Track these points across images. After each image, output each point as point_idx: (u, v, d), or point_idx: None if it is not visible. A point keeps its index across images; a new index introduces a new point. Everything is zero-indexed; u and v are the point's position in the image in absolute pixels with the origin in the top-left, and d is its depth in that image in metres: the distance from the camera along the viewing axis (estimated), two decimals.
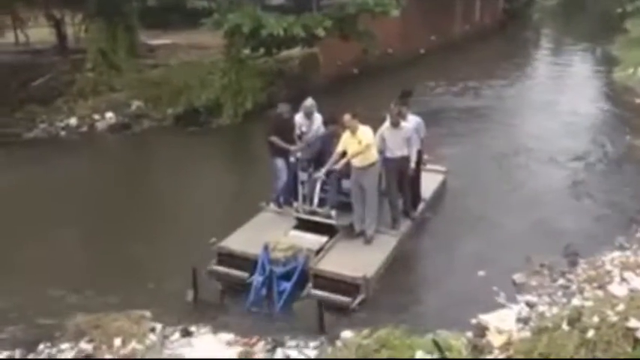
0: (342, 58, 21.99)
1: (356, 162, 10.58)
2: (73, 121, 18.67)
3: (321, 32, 18.35)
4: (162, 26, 25.40)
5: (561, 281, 10.24)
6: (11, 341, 9.44)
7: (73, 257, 11.67)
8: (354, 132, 10.45)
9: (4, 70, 20.56)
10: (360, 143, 10.40)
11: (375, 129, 10.86)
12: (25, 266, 11.22)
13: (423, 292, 10.47)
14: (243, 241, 10.67)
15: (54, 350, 9.12)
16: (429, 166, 12.94)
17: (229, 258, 10.42)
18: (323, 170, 10.81)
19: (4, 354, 9.08)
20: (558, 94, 21.12)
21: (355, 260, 10.12)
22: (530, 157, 15.34)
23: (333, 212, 10.93)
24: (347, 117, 10.49)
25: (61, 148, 17.31)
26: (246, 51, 19.11)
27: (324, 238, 10.72)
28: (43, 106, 18.98)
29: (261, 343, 8.85)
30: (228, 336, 9.03)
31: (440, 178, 13.34)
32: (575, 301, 9.24)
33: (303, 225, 11.06)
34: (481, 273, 10.45)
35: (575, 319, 7.95)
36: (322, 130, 11.59)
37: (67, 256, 11.66)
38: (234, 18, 17.80)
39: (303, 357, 8.43)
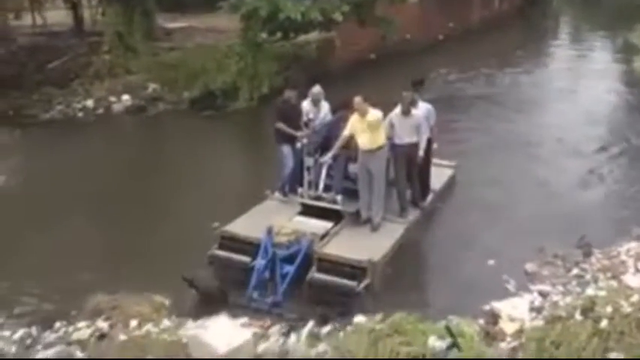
0: (360, 43, 21.89)
1: (364, 145, 10.43)
2: (89, 103, 18.75)
3: (338, 17, 18.23)
4: (179, 9, 25.30)
5: (575, 271, 10.18)
6: (28, 318, 9.54)
7: (87, 239, 11.73)
8: (363, 115, 10.28)
9: (21, 52, 20.63)
10: (373, 127, 10.27)
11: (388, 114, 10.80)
12: (42, 247, 11.30)
13: (433, 280, 10.46)
14: (246, 225, 10.55)
15: (70, 328, 9.20)
16: (438, 161, 12.60)
17: (231, 242, 10.28)
18: (329, 154, 10.71)
19: (21, 331, 9.17)
20: (577, 83, 20.94)
21: (361, 245, 9.97)
22: (546, 146, 15.22)
23: (339, 197, 10.76)
24: (358, 99, 10.31)
25: (78, 130, 17.39)
26: (263, 35, 19.00)
27: (329, 224, 10.55)
28: (59, 88, 19.09)
29: (276, 327, 8.88)
30: (242, 319, 9.05)
31: (449, 172, 13.10)
32: (589, 291, 9.18)
33: (308, 211, 10.90)
34: (492, 262, 10.40)
35: (589, 308, 7.91)
36: (329, 117, 11.49)
37: (82, 238, 11.73)
38: (252, 1, 17.74)
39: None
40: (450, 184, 13.02)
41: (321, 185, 10.99)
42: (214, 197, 12.77)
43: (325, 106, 11.58)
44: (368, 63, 21.61)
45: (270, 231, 9.93)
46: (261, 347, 8.31)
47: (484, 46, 24.08)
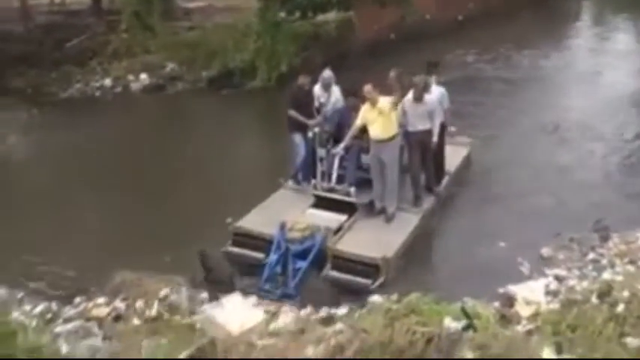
0: (379, 23, 21.71)
1: (375, 135, 10.30)
2: (107, 81, 18.81)
3: None
4: None
5: (592, 255, 10.11)
6: (48, 293, 9.60)
7: (106, 217, 11.79)
8: (374, 104, 10.16)
9: (39, 30, 20.65)
10: (382, 113, 10.12)
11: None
12: (61, 224, 11.37)
13: (448, 264, 10.38)
14: (259, 221, 10.45)
15: (90, 304, 9.25)
16: (452, 139, 12.50)
17: (245, 238, 10.24)
18: (341, 145, 10.58)
19: (41, 306, 9.24)
20: (599, 67, 20.61)
21: (375, 240, 9.90)
22: (566, 129, 14.94)
23: (352, 190, 10.64)
24: (368, 87, 10.17)
25: (96, 108, 17.47)
26: (282, 14, 18.92)
27: (343, 217, 10.45)
28: (78, 66, 19.16)
29: (289, 307, 8.86)
30: (254, 299, 9.04)
31: (464, 151, 12.92)
32: (606, 275, 9.13)
33: (322, 203, 10.79)
34: (507, 247, 10.35)
35: (605, 292, 7.86)
36: (341, 102, 11.36)
37: (101, 215, 11.81)
38: None
39: None
40: (466, 164, 12.85)
41: (334, 176, 10.87)
42: (230, 178, 12.78)
43: (336, 91, 11.45)
44: (387, 43, 21.39)
45: (283, 227, 9.85)
46: (272, 326, 8.28)
47: (504, 27, 23.76)
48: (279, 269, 9.49)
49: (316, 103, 11.34)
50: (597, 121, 15.33)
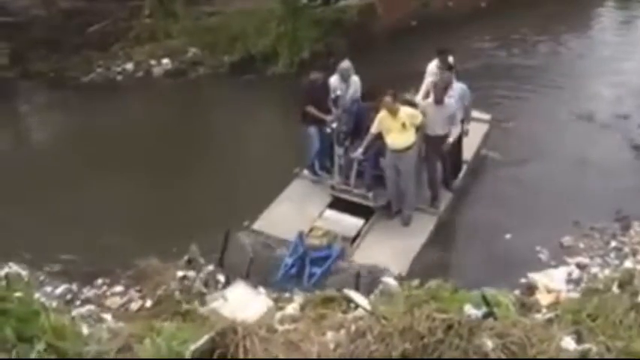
0: (401, 9, 21.58)
1: (393, 144, 10.27)
2: (129, 66, 18.83)
3: None
4: None
5: (614, 243, 10.09)
6: (69, 275, 9.71)
7: (126, 201, 11.88)
8: (394, 114, 10.12)
9: (62, 15, 20.71)
10: (404, 126, 10.10)
11: None
12: (83, 209, 11.48)
13: (467, 253, 10.41)
14: (277, 221, 10.56)
15: (109, 292, 9.34)
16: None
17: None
18: (360, 150, 10.57)
19: (61, 287, 9.34)
20: (623, 55, 20.37)
21: (392, 247, 9.99)
22: (586, 120, 14.73)
23: (370, 194, 10.70)
24: (388, 100, 10.14)
25: (117, 93, 17.55)
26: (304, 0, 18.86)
27: (360, 222, 10.55)
28: (100, 51, 19.16)
29: (299, 296, 8.92)
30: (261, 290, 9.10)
31: (483, 129, 12.72)
32: (628, 264, 9.08)
33: (339, 204, 10.88)
34: (526, 235, 10.36)
35: (627, 281, 7.82)
36: (359, 92, 11.29)
37: (120, 199, 11.89)
38: None
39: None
40: (484, 146, 12.70)
41: (352, 181, 10.89)
42: (249, 163, 12.83)
43: (355, 82, 11.34)
44: (409, 29, 21.25)
45: (301, 235, 9.99)
46: (279, 315, 8.28)
47: (528, 13, 23.47)
48: (294, 271, 9.66)
49: (332, 95, 11.25)
50: (620, 109, 15.15)
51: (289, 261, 9.71)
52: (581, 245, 10.19)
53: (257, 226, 10.63)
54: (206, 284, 9.47)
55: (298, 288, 9.40)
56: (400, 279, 9.32)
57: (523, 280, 9.23)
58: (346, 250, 10.04)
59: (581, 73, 18.63)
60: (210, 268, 9.77)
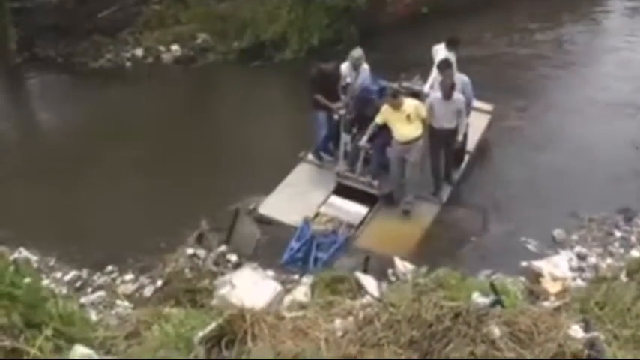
0: None
1: (400, 136, 10.35)
2: (138, 52, 18.82)
3: None
4: None
5: (618, 233, 10.09)
6: (79, 261, 9.75)
7: (135, 188, 11.92)
8: (397, 107, 10.19)
9: (71, 0, 20.71)
10: (409, 118, 10.19)
11: None
12: (93, 195, 11.51)
13: (465, 242, 10.40)
14: (282, 206, 10.69)
15: (119, 280, 9.37)
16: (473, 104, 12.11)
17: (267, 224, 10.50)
18: (365, 138, 10.65)
19: (71, 274, 9.38)
20: (635, 45, 20.21)
21: (394, 236, 10.16)
22: (592, 109, 14.63)
23: (376, 183, 10.80)
24: (389, 99, 10.36)
25: (126, 78, 17.57)
26: None
27: (364, 209, 10.68)
28: (109, 37, 19.15)
29: (305, 279, 8.95)
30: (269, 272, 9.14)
31: (485, 120, 12.70)
32: (635, 253, 9.09)
33: (344, 191, 10.96)
34: (520, 226, 10.36)
35: (634, 270, 7.85)
36: (369, 80, 11.29)
37: (129, 186, 11.92)
38: None
39: None
40: (487, 136, 12.66)
41: (358, 170, 10.97)
42: (258, 149, 12.82)
43: (366, 70, 11.35)
44: (419, 17, 21.14)
45: (307, 221, 10.15)
46: (287, 300, 8.33)
47: (541, 3, 23.38)
48: (300, 255, 9.79)
49: (343, 82, 11.28)
50: (625, 101, 15.00)
51: (295, 245, 9.86)
52: (574, 237, 10.24)
53: (262, 210, 10.75)
54: (217, 264, 9.53)
55: (304, 272, 9.55)
56: (404, 266, 9.39)
57: (524, 264, 9.28)
58: (351, 237, 10.18)
59: (589, 62, 18.48)
60: (223, 248, 9.83)
